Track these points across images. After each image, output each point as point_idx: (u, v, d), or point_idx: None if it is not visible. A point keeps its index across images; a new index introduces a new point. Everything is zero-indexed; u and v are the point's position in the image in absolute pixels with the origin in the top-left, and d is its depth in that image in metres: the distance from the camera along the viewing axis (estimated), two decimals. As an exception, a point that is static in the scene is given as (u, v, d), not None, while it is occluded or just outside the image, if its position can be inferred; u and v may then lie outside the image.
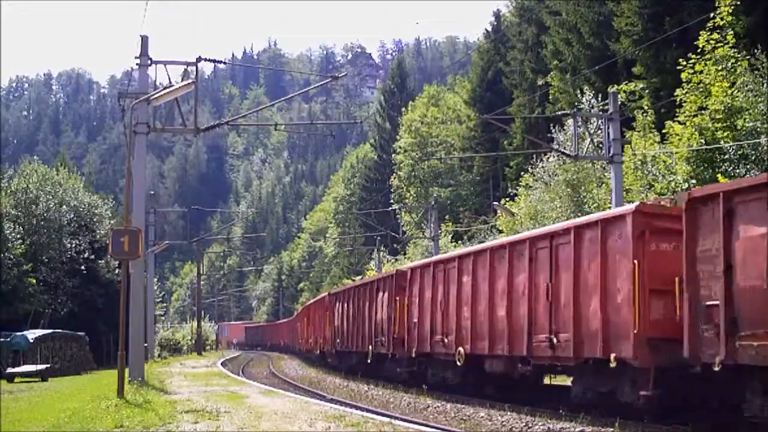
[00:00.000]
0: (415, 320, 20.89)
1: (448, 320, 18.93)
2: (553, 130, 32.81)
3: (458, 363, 18.03)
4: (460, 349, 18.01)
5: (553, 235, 14.90)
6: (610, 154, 22.13)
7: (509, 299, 16.01)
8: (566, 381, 18.02)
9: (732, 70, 21.01)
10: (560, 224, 15.96)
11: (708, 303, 10.80)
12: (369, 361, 25.47)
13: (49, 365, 29.29)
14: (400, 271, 23.74)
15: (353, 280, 45.51)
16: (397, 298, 22.47)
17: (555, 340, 14.37)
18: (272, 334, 78.45)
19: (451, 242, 45.77)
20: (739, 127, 20.24)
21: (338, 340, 30.82)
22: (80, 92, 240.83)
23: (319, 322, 36.84)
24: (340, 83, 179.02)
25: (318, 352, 37.80)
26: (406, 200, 61.42)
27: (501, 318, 16.27)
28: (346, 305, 29.87)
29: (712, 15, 21.59)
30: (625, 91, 27.47)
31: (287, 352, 60.83)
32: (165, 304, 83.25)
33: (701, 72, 21.19)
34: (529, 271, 15.39)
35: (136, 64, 21.95)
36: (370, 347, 25.34)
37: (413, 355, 21.00)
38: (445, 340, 18.89)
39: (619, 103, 23.55)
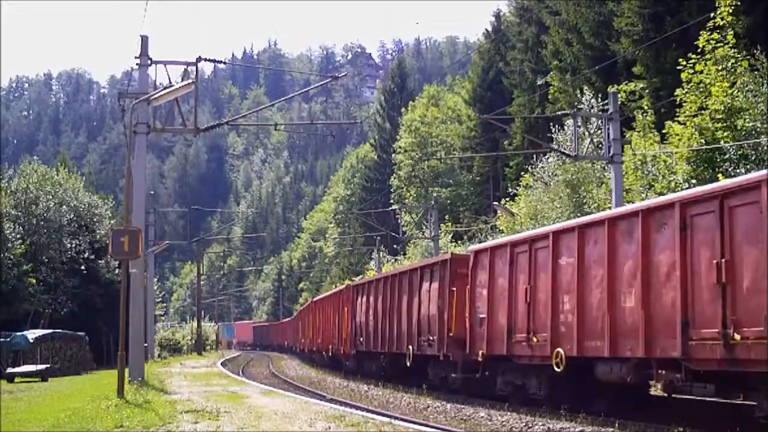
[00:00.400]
0: (482, 315, 17.20)
1: (536, 314, 15.31)
2: (553, 130, 32.81)
3: (557, 368, 14.34)
4: (559, 350, 14.33)
5: (724, 195, 11.18)
6: (610, 154, 22.13)
7: (644, 284, 12.42)
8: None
9: (732, 70, 20.99)
10: (735, 180, 12.06)
11: None
12: (408, 364, 21.72)
13: (49, 365, 29.27)
14: (457, 256, 20.27)
15: (352, 280, 45.42)
16: (453, 289, 18.99)
17: (735, 336, 10.75)
18: (284, 333, 73.13)
19: (451, 242, 45.78)
20: (739, 127, 20.23)
21: (361, 340, 27.20)
22: (80, 92, 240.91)
23: (333, 319, 32.75)
24: (340, 83, 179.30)
25: (328, 353, 33.93)
26: (406, 200, 61.41)
27: (629, 309, 12.73)
28: (372, 299, 26.14)
29: (712, 15, 21.57)
30: (625, 91, 27.46)
31: (294, 353, 59.97)
32: (165, 304, 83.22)
33: (701, 72, 21.18)
34: (680, 246, 11.73)
35: (136, 64, 21.99)
36: (411, 348, 21.60)
37: (480, 358, 17.24)
38: (534, 340, 15.23)
39: (619, 103, 23.55)
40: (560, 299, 14.62)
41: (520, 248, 16.20)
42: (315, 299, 42.65)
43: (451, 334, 18.80)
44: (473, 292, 17.86)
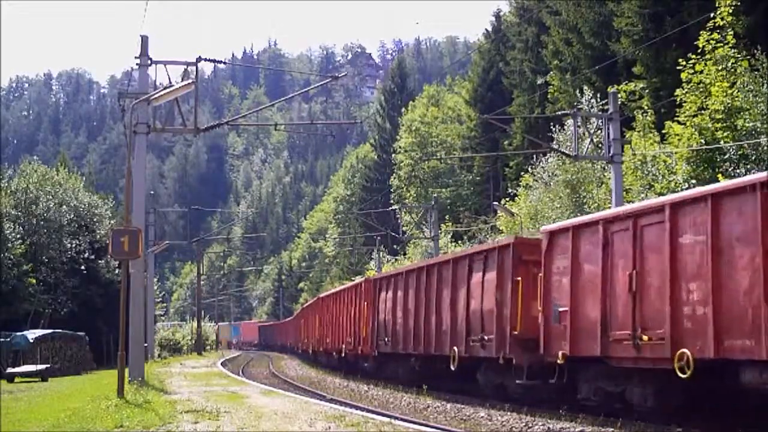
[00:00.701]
0: (563, 308, 14.47)
1: (646, 306, 12.58)
2: (553, 130, 32.84)
3: (681, 374, 11.64)
4: (684, 351, 11.59)
5: None
6: (610, 154, 22.14)
7: None
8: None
9: (732, 70, 21.01)
10: None
11: None
12: (453, 368, 18.84)
13: (49, 365, 29.28)
14: (522, 239, 17.63)
15: (352, 280, 45.36)
16: (518, 279, 16.20)
17: None
18: (291, 333, 66.18)
19: (451, 242, 45.79)
20: (739, 127, 20.25)
21: (386, 340, 24.21)
22: (80, 92, 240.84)
23: (347, 316, 29.92)
24: (340, 83, 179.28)
25: (339, 354, 31.13)
26: (406, 200, 61.41)
27: None
28: (401, 293, 23.23)
29: (712, 15, 21.59)
30: (625, 91, 27.48)
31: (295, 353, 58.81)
32: (165, 304, 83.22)
33: (701, 72, 21.20)
34: None
35: (136, 64, 22.00)
36: (456, 350, 18.68)
37: (559, 361, 14.43)
38: (642, 338, 12.50)
39: (619, 103, 23.56)
40: (683, 287, 11.84)
41: (618, 226, 13.38)
42: (322, 295, 39.34)
43: (516, 333, 16.02)
44: (548, 281, 15.08)
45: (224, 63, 29.37)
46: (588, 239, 14.11)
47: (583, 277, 14.14)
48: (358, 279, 35.13)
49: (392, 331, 23.65)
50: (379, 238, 52.33)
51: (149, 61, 21.82)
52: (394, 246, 59.49)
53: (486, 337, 17.31)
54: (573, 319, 14.18)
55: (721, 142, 20.21)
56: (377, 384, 24.08)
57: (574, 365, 14.45)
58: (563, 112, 28.78)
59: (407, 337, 22.30)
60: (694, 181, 20.19)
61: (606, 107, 24.40)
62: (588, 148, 23.73)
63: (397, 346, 23.28)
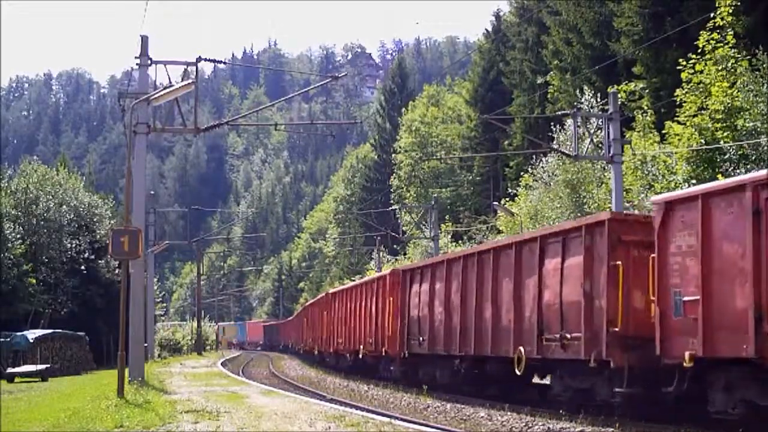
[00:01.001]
0: (690, 297, 11.55)
1: None
2: (553, 130, 32.86)
3: None
4: None
5: None
6: (610, 154, 22.14)
7: None
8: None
9: (732, 70, 21.03)
10: None
11: None
12: (519, 372, 15.86)
13: (49, 365, 29.30)
14: (619, 215, 14.79)
15: (352, 280, 45.30)
16: (617, 263, 13.23)
17: None
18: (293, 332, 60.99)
19: (451, 242, 45.81)
20: (739, 127, 20.26)
21: (421, 339, 21.15)
22: (80, 92, 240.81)
23: (366, 313, 26.81)
24: (340, 83, 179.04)
25: (355, 355, 28.20)
26: (406, 200, 61.44)
27: None
28: (440, 285, 20.16)
29: (712, 15, 21.61)
30: (625, 91, 27.49)
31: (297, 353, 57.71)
32: (165, 304, 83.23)
33: (701, 72, 21.22)
34: None
35: (136, 64, 22.00)
36: (522, 350, 15.67)
37: (686, 363, 11.51)
38: None
39: (619, 103, 23.57)
40: None
41: None
42: (332, 291, 36.02)
43: (616, 329, 13.09)
44: (664, 264, 12.14)
45: (224, 63, 29.39)
46: (727, 209, 11.14)
47: (720, 256, 11.21)
48: (385, 271, 31.25)
49: (429, 329, 20.64)
50: (379, 238, 52.32)
51: (149, 61, 21.82)
52: (394, 246, 59.52)
53: (568, 335, 14.36)
54: (706, 311, 11.24)
55: (721, 142, 20.23)
56: (377, 385, 24.06)
57: (701, 369, 11.67)
58: (563, 112, 28.80)
59: (450, 335, 19.28)
60: (694, 181, 20.20)
61: (606, 107, 24.41)
62: (588, 148, 23.73)
63: (435, 347, 20.25)
